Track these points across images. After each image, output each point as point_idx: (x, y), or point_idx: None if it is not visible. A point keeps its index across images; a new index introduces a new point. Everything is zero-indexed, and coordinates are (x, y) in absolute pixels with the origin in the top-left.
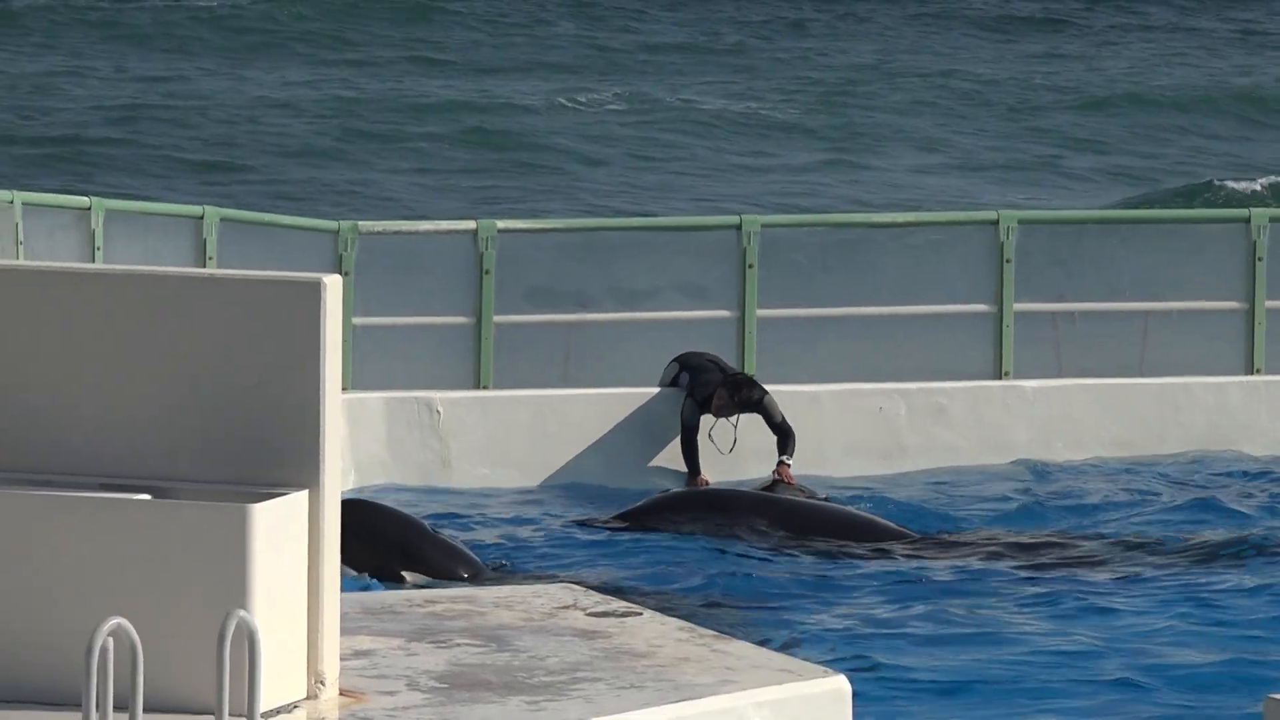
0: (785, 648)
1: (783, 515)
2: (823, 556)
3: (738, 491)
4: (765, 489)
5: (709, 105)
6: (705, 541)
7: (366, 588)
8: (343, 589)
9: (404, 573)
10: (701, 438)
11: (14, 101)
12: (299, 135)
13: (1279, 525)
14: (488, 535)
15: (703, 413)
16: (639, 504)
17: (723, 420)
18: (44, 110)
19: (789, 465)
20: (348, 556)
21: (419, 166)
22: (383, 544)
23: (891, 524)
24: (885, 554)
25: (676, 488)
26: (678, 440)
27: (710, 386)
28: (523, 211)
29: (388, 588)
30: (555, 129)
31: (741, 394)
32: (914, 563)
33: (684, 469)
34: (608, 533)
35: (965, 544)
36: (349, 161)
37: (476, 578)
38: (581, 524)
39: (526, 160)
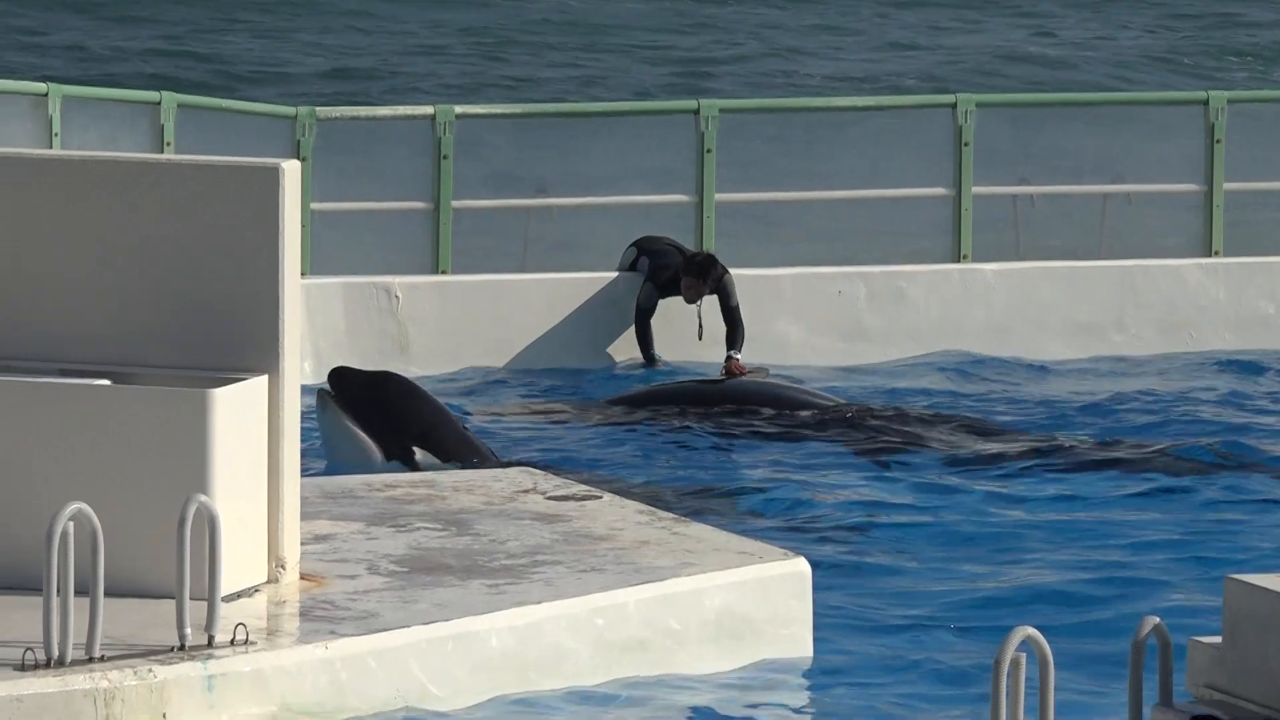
0: (745, 530)
1: (730, 399)
2: (776, 438)
3: (691, 385)
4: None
5: None
6: (667, 431)
7: (364, 456)
8: (346, 453)
9: (416, 450)
10: (666, 322)
11: None
12: None
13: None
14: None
15: (661, 297)
16: (620, 395)
17: (688, 307)
18: None
19: (738, 359)
20: (369, 421)
21: None
22: (405, 419)
23: (843, 401)
24: (843, 432)
25: (627, 369)
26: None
27: (670, 270)
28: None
29: (391, 464)
30: None
31: (714, 272)
32: (877, 444)
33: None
34: (580, 422)
35: (926, 422)
36: None
37: None
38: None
39: None
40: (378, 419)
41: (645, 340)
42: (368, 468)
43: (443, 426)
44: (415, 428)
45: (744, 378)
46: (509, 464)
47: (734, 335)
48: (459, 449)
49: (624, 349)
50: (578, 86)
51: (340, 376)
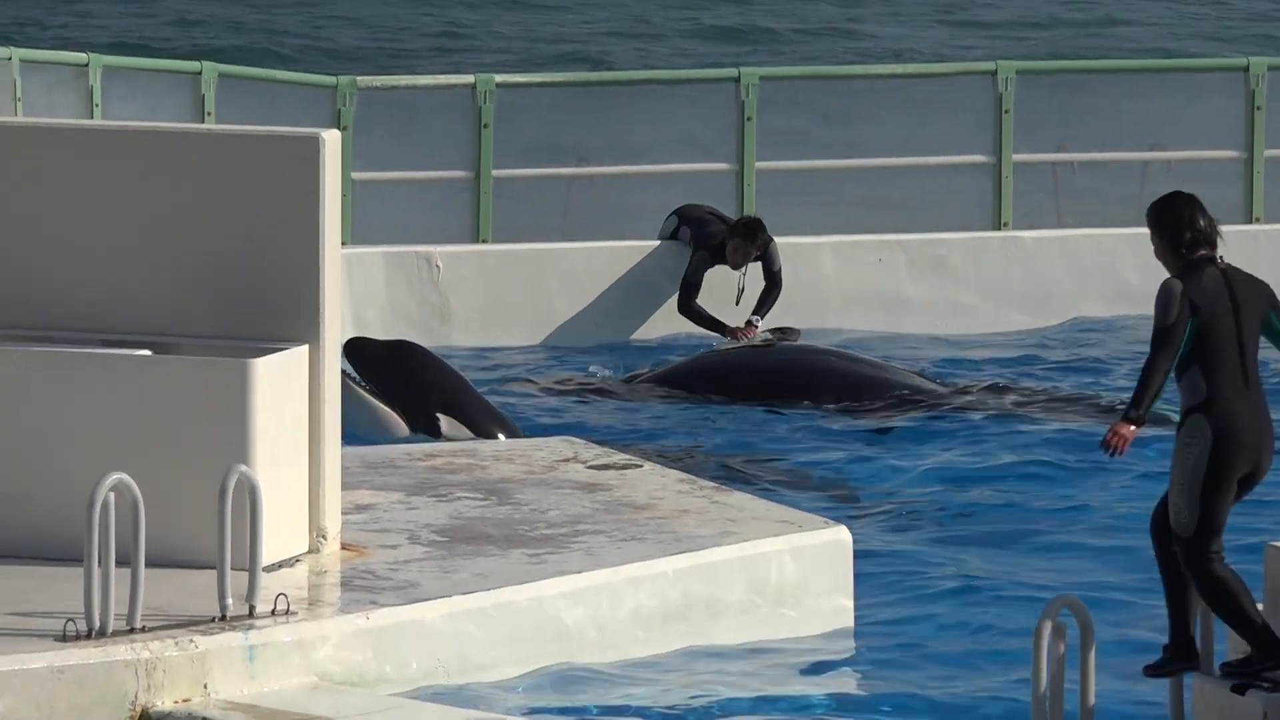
0: (787, 499)
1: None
2: (819, 407)
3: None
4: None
5: None
6: (710, 400)
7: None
8: (365, 425)
9: (440, 417)
10: (705, 290)
11: None
12: None
13: None
14: (487, 389)
15: (713, 264)
16: (661, 369)
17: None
18: None
19: (757, 325)
20: (389, 391)
21: None
22: (427, 386)
23: (918, 376)
24: (887, 400)
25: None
26: (676, 295)
27: (714, 238)
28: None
29: (416, 434)
30: None
31: (761, 235)
32: (929, 414)
33: (683, 322)
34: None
35: (973, 394)
36: None
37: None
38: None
39: None
40: (401, 389)
41: (704, 315)
42: (389, 439)
43: (465, 394)
44: (439, 396)
45: (765, 340)
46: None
47: (767, 299)
48: (482, 417)
49: (666, 317)
50: (633, 55)
51: (357, 347)
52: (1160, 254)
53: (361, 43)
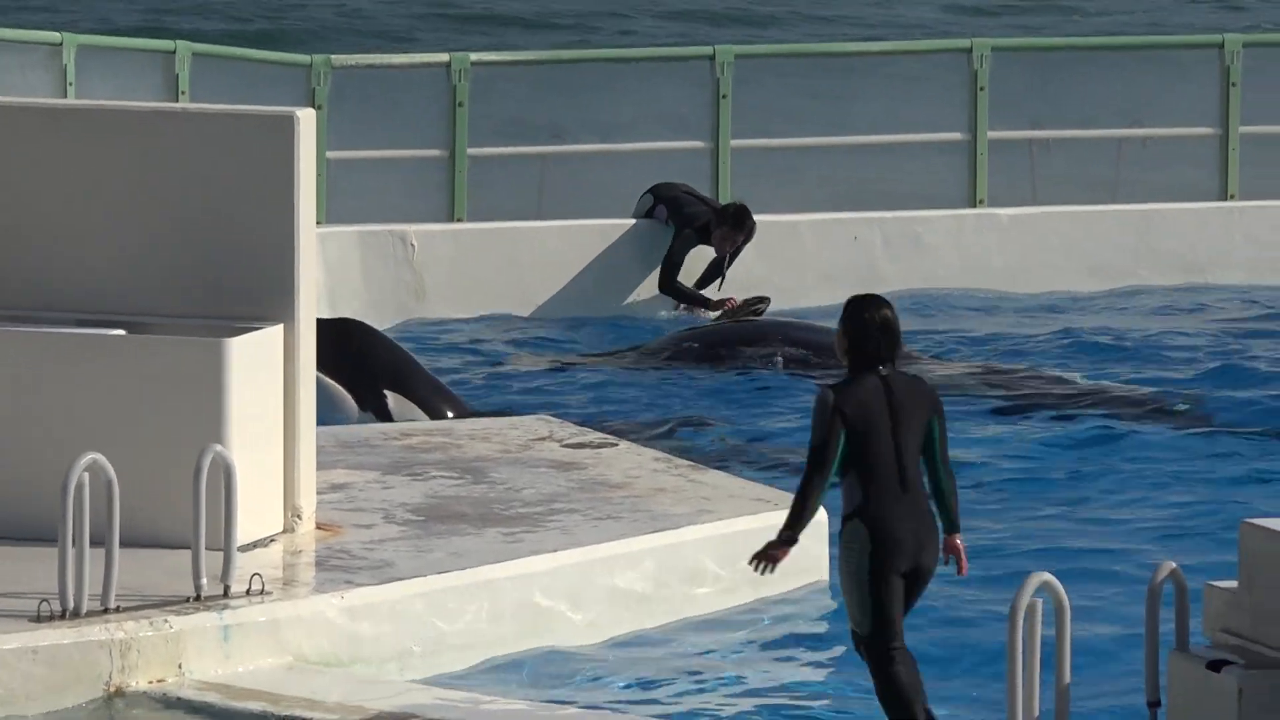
0: (762, 476)
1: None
2: (796, 381)
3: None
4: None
5: None
6: (690, 376)
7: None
8: (319, 401)
9: (388, 393)
10: (684, 272)
11: None
12: None
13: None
14: (463, 368)
15: (697, 244)
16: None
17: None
18: None
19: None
20: (336, 369)
21: None
22: (373, 364)
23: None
24: None
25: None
26: (654, 272)
27: (699, 218)
28: None
29: (366, 413)
30: None
31: (747, 223)
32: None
33: (659, 300)
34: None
35: (951, 372)
36: None
37: (459, 417)
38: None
39: None
40: (347, 366)
41: (685, 294)
42: (337, 418)
43: (412, 372)
44: (387, 373)
45: (737, 307)
46: (501, 412)
47: (715, 275)
48: (430, 393)
49: (641, 295)
50: (615, 37)
51: None
52: (838, 348)
53: (343, 19)
